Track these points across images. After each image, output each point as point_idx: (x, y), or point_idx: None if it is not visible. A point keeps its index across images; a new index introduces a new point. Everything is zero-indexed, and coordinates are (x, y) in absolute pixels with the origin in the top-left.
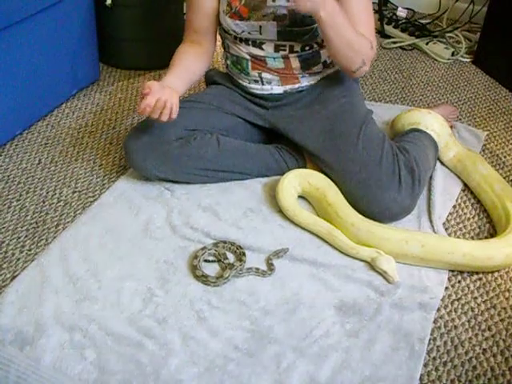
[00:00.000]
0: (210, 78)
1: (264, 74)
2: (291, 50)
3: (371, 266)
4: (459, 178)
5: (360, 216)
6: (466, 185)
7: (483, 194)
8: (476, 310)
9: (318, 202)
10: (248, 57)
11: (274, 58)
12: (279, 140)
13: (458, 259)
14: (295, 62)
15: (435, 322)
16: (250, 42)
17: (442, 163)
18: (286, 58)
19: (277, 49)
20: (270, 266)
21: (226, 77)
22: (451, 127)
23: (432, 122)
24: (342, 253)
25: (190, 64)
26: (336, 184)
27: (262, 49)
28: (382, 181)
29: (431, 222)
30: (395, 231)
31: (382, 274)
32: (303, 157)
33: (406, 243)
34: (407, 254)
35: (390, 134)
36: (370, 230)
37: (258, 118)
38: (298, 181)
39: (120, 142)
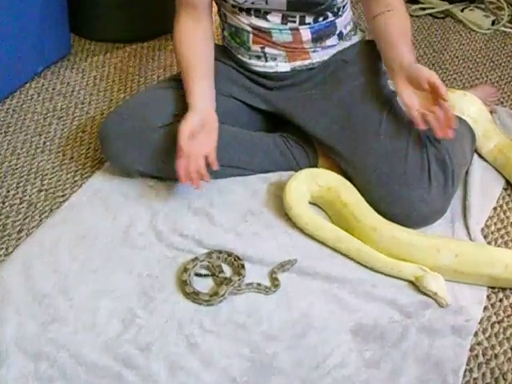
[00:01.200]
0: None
1: (268, 49)
2: (302, 22)
3: (399, 281)
4: (500, 173)
5: (382, 219)
6: (508, 182)
7: None
8: None
9: (331, 205)
10: (249, 29)
11: (281, 31)
12: (285, 127)
13: (500, 272)
14: (306, 35)
15: (472, 349)
16: (252, 12)
17: (479, 156)
18: (294, 30)
19: (285, 20)
20: (274, 282)
21: (222, 50)
22: (491, 112)
23: (468, 105)
24: (362, 265)
25: (205, 53)
26: (352, 181)
27: (267, 20)
28: (408, 177)
29: (467, 227)
30: (424, 238)
31: (431, 297)
32: (314, 148)
33: (438, 252)
34: (438, 266)
35: None
36: (395, 236)
37: (259, 101)
38: (305, 186)
39: (95, 129)
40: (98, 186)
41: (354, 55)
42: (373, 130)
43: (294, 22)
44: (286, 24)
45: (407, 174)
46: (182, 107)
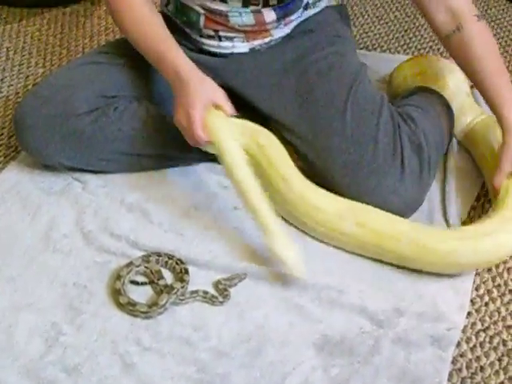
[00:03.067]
0: None
1: (223, 33)
2: (266, 4)
3: (368, 285)
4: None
5: (299, 173)
6: None
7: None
8: (510, 343)
9: (249, 148)
10: (201, 11)
11: (241, 14)
12: (236, 107)
13: (405, 249)
14: (270, 16)
15: (454, 362)
16: None
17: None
18: (257, 12)
19: (246, 3)
20: (224, 292)
21: (163, 16)
22: (471, 87)
23: (445, 73)
24: (328, 268)
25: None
26: (314, 168)
27: (225, 1)
28: (378, 164)
29: (447, 220)
30: (332, 201)
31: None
32: (270, 130)
33: (340, 218)
34: (339, 235)
35: (389, 94)
36: (302, 194)
37: (207, 72)
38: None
39: (9, 111)
40: (14, 180)
41: (319, 23)
42: (338, 108)
43: (257, 4)
44: (247, 7)
45: (377, 159)
46: (113, 87)
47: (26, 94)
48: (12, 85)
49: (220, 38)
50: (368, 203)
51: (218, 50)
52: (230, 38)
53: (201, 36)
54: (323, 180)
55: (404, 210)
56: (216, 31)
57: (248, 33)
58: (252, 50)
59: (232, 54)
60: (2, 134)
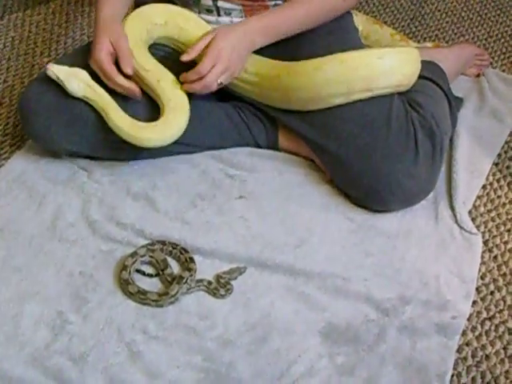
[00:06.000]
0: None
1: (221, 3)
2: None
3: (374, 274)
4: (491, 146)
5: None
6: (499, 156)
7: None
8: None
9: None
10: None
11: None
12: (241, 97)
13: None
14: None
15: (460, 350)
16: None
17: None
18: None
19: None
20: (226, 285)
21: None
22: (478, 75)
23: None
24: (331, 257)
25: None
26: (326, 154)
27: None
28: (391, 148)
29: (453, 209)
30: None
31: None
32: (273, 120)
33: None
34: None
35: None
36: None
37: None
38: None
39: (14, 101)
40: (20, 169)
41: None
42: None
43: None
44: None
45: (391, 143)
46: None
47: (31, 81)
48: (17, 74)
49: (218, 12)
50: (383, 187)
51: (216, 26)
52: (229, 13)
53: (200, 12)
54: (337, 166)
55: (418, 194)
56: (214, 1)
57: (246, 6)
58: None
59: None
60: (8, 124)
